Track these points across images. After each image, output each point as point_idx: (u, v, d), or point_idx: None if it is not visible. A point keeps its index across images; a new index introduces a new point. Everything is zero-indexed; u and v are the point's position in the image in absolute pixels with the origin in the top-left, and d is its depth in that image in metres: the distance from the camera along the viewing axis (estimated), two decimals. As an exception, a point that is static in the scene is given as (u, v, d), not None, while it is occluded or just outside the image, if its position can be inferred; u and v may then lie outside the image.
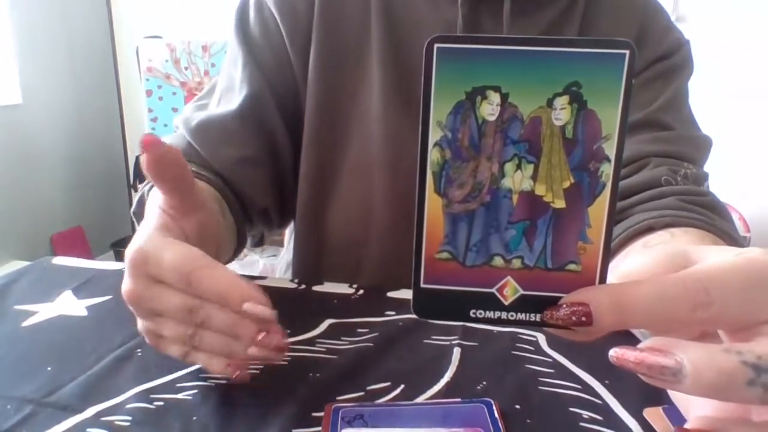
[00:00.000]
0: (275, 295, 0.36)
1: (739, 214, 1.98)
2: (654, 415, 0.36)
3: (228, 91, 0.65)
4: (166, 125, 2.47)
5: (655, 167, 0.57)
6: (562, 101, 0.23)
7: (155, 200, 0.43)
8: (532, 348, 0.45)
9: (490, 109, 0.24)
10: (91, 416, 0.37)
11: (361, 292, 0.56)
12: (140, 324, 0.39)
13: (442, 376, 0.41)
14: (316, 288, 0.57)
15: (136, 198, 0.64)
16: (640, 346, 0.23)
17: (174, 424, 0.36)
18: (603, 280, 0.25)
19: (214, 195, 0.57)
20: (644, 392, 0.38)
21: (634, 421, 0.36)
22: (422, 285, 0.26)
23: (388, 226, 0.64)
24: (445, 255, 0.25)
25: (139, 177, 2.69)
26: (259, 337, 0.35)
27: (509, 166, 0.24)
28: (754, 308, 0.23)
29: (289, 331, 0.48)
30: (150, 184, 0.61)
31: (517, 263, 0.25)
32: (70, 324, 0.50)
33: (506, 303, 0.26)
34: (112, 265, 0.63)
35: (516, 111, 0.24)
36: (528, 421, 0.37)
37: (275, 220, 0.70)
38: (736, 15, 2.10)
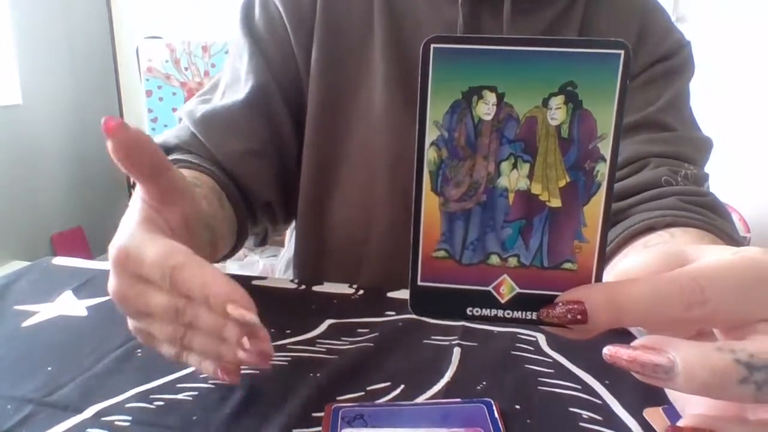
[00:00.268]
0: (275, 295, 0.36)
1: (739, 214, 1.98)
2: (654, 415, 0.36)
3: (233, 83, 0.65)
4: (166, 125, 2.47)
5: (656, 167, 0.57)
6: (557, 101, 0.24)
7: (137, 192, 0.40)
8: (531, 348, 0.45)
9: (486, 108, 0.24)
10: (91, 416, 0.37)
11: (361, 292, 0.56)
12: (131, 323, 0.38)
13: (442, 376, 0.41)
14: (316, 288, 0.57)
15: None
16: (633, 344, 0.23)
17: (174, 424, 0.36)
18: (599, 278, 0.25)
19: (212, 186, 0.56)
20: (644, 392, 0.38)
21: (634, 421, 0.36)
22: (419, 283, 0.26)
23: (389, 224, 0.64)
24: (441, 253, 0.26)
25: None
26: (243, 341, 0.34)
27: (505, 166, 0.24)
28: (749, 307, 0.23)
29: (289, 331, 0.48)
30: None
31: (513, 262, 0.25)
32: (70, 324, 0.50)
33: (503, 301, 0.26)
34: (112, 265, 0.63)
35: (512, 111, 0.24)
36: (528, 421, 0.37)
37: (280, 215, 0.69)
38: (736, 15, 2.10)
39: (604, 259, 0.25)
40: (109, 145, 0.35)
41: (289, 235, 0.81)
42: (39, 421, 0.36)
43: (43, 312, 0.52)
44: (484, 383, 0.41)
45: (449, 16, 0.60)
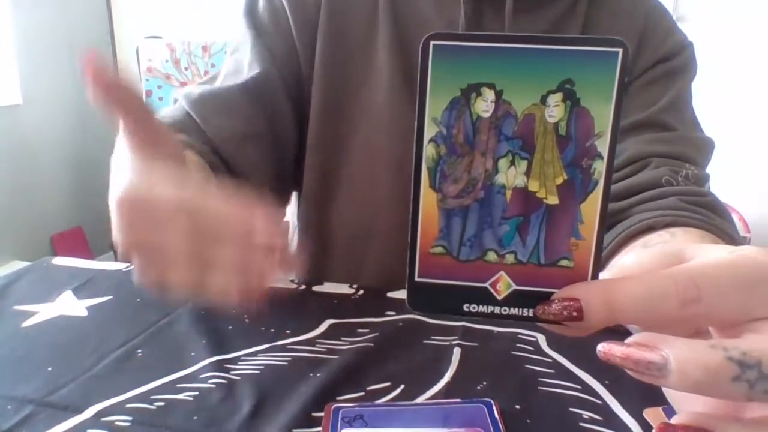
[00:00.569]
0: (275, 295, 0.36)
1: (739, 214, 1.98)
2: (654, 415, 0.36)
3: (235, 72, 0.64)
4: (166, 125, 2.47)
5: (656, 167, 0.57)
6: (555, 98, 0.24)
7: (124, 151, 0.37)
8: (532, 348, 0.45)
9: (484, 105, 0.24)
10: (91, 416, 0.37)
11: (361, 292, 0.56)
12: (140, 268, 0.35)
13: (442, 377, 0.41)
14: (316, 288, 0.57)
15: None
16: (627, 341, 0.23)
17: (174, 424, 0.36)
18: (595, 276, 0.25)
19: (198, 162, 0.54)
20: (644, 392, 0.38)
21: (634, 421, 0.36)
22: (416, 279, 0.26)
23: (392, 224, 0.64)
24: (439, 249, 0.26)
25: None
26: (271, 264, 0.32)
27: (503, 163, 0.25)
28: (745, 305, 0.23)
29: (288, 331, 0.48)
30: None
31: (510, 258, 0.26)
32: (70, 324, 0.50)
33: (499, 298, 0.26)
34: (112, 265, 0.63)
35: (510, 108, 0.24)
36: (528, 421, 0.37)
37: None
38: (736, 15, 2.10)
39: (601, 256, 0.25)
40: (88, 85, 0.32)
41: (291, 233, 0.81)
42: (39, 422, 0.36)
43: (43, 312, 0.52)
44: (484, 383, 0.41)
45: (452, 15, 0.60)
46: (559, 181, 0.24)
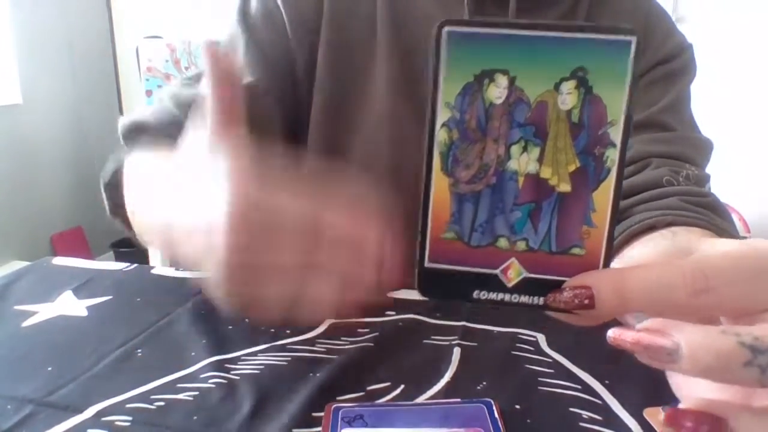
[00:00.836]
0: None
1: (739, 214, 1.99)
2: (654, 415, 0.36)
3: None
4: (166, 125, 2.47)
5: (657, 168, 0.57)
6: (569, 86, 0.24)
7: (189, 150, 0.37)
8: (532, 348, 0.45)
9: (497, 92, 0.24)
10: (91, 416, 0.37)
11: (361, 292, 0.56)
12: (228, 289, 0.32)
13: (442, 376, 0.41)
14: (316, 288, 0.57)
15: (109, 167, 0.58)
16: (637, 326, 0.23)
17: (174, 424, 0.36)
18: (607, 264, 0.25)
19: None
20: (644, 392, 0.38)
21: (634, 421, 0.36)
22: (427, 264, 0.26)
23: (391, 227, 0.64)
24: (450, 235, 0.26)
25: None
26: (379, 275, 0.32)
27: (515, 149, 0.24)
28: (755, 296, 0.23)
29: (289, 331, 0.48)
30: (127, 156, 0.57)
31: (521, 245, 0.25)
32: (70, 324, 0.50)
33: (510, 285, 0.26)
34: (112, 265, 0.63)
35: (523, 94, 0.24)
36: (528, 421, 0.37)
37: None
38: (736, 15, 2.10)
39: (613, 245, 0.25)
40: (208, 64, 0.34)
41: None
42: (39, 421, 0.36)
43: (43, 312, 0.52)
44: (484, 383, 0.41)
45: (454, 15, 0.60)
46: (572, 168, 0.24)
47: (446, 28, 0.24)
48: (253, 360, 0.44)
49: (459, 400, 0.38)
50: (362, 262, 0.32)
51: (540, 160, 0.24)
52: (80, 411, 0.37)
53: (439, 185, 0.25)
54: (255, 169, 0.34)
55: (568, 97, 0.24)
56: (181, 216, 0.36)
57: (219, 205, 0.32)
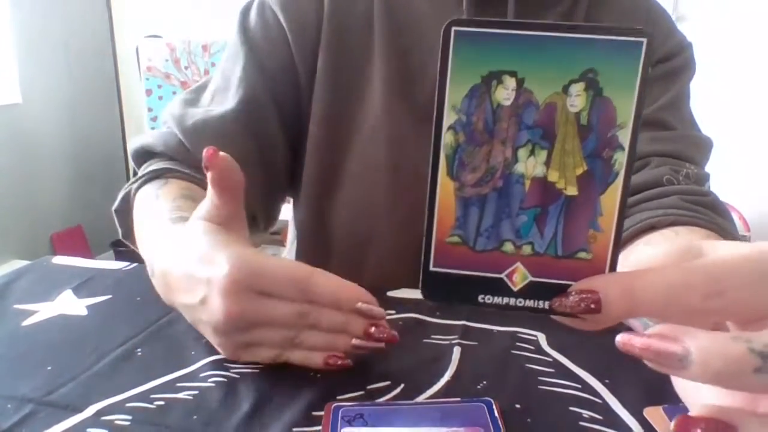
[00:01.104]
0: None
1: (739, 214, 1.98)
2: (654, 414, 0.36)
3: (223, 90, 0.64)
4: (166, 125, 2.47)
5: (657, 167, 0.57)
6: (577, 88, 0.23)
7: (194, 214, 0.43)
8: (532, 347, 0.45)
9: (505, 93, 0.23)
10: (91, 416, 0.37)
11: (361, 291, 0.56)
12: (223, 341, 0.40)
13: (442, 376, 0.41)
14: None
15: (120, 195, 0.62)
16: (647, 332, 0.23)
17: (174, 424, 0.36)
18: (613, 268, 0.25)
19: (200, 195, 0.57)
20: (644, 392, 0.38)
21: (634, 421, 0.36)
22: (431, 268, 0.26)
23: (391, 227, 0.64)
24: (455, 239, 0.25)
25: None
26: (372, 330, 0.39)
27: (522, 152, 0.24)
28: (765, 300, 0.23)
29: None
30: (138, 182, 0.60)
31: (527, 249, 0.25)
32: (70, 323, 0.50)
33: (515, 289, 0.25)
34: (112, 264, 0.63)
35: (531, 96, 0.23)
36: (528, 420, 0.36)
37: (261, 224, 0.69)
38: (736, 15, 2.10)
39: (619, 249, 0.25)
40: (209, 175, 0.40)
41: (291, 238, 0.81)
42: (39, 421, 0.36)
43: (43, 311, 0.52)
44: (484, 383, 0.41)
45: (452, 15, 0.60)
46: (579, 171, 0.24)
47: (455, 28, 0.23)
48: (253, 359, 0.44)
49: (459, 399, 0.38)
50: (350, 317, 0.38)
51: (547, 163, 0.24)
52: (80, 410, 0.37)
53: (445, 189, 0.25)
54: (249, 241, 0.41)
55: (577, 99, 0.23)
56: (177, 264, 0.42)
57: (218, 265, 0.37)
